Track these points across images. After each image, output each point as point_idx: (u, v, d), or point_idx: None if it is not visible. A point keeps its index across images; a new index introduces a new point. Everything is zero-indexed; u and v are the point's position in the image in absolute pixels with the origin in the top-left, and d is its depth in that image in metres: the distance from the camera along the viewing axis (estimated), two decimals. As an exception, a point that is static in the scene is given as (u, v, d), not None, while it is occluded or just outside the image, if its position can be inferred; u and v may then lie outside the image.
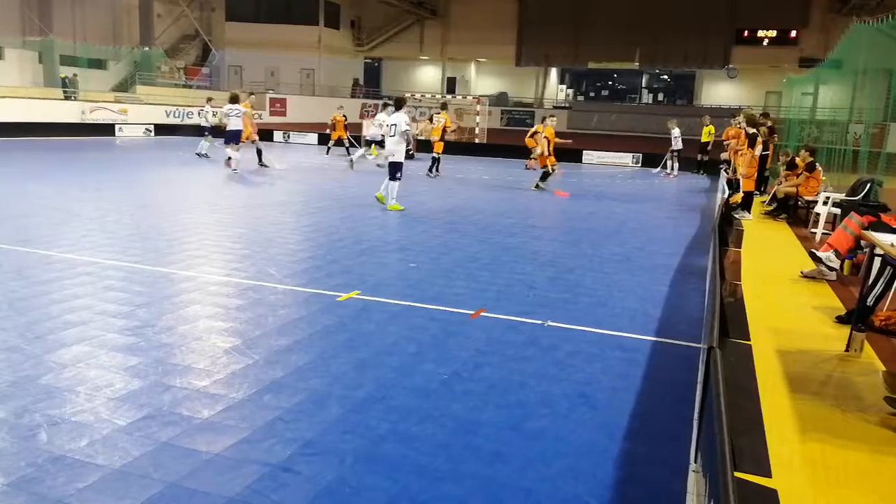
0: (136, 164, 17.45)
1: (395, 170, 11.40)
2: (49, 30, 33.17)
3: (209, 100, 21.28)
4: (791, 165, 12.54)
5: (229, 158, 16.27)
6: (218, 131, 18.66)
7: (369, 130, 18.21)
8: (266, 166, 18.15)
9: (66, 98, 29.36)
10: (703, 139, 21.00)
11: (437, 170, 17.87)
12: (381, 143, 14.89)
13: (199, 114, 21.96)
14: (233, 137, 16.19)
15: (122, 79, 36.21)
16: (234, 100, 16.36)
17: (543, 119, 17.15)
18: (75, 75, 31.51)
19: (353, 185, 15.48)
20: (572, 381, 4.63)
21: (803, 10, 38.54)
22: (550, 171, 16.02)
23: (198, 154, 19.73)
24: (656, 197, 16.00)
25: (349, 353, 5.00)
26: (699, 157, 21.41)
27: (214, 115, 19.79)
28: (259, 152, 18.28)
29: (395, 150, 11.37)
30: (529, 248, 9.08)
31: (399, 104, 11.91)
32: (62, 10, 34.13)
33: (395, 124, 11.37)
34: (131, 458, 3.42)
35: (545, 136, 16.02)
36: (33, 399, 4.02)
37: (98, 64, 35.14)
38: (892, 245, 4.46)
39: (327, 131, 23.53)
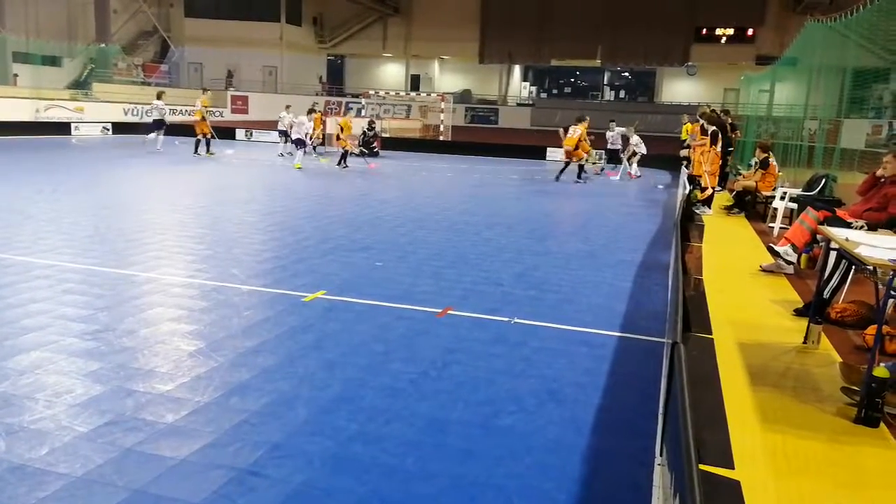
0: (94, 164, 17.07)
1: (302, 144, 19.10)
2: (1, 26, 32.24)
3: (288, 107, 22.41)
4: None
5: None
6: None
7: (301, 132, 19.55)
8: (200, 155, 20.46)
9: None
10: (683, 136, 21.26)
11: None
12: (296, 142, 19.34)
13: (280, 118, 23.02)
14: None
15: (78, 76, 35.36)
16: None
17: (579, 119, 17.55)
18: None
19: (317, 185, 15.36)
20: (540, 378, 4.67)
21: (760, 8, 39.41)
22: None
23: (281, 155, 21.77)
24: (619, 193, 16.20)
25: (316, 353, 4.97)
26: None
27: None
28: (197, 143, 20.73)
29: (302, 132, 19.03)
30: (495, 246, 9.12)
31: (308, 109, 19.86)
32: (14, 6, 33.20)
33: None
34: (94, 466, 3.35)
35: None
36: (-10, 407, 3.91)
37: (52, 61, 34.25)
38: (845, 239, 4.58)
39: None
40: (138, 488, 3.18)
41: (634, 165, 19.90)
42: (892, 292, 3.92)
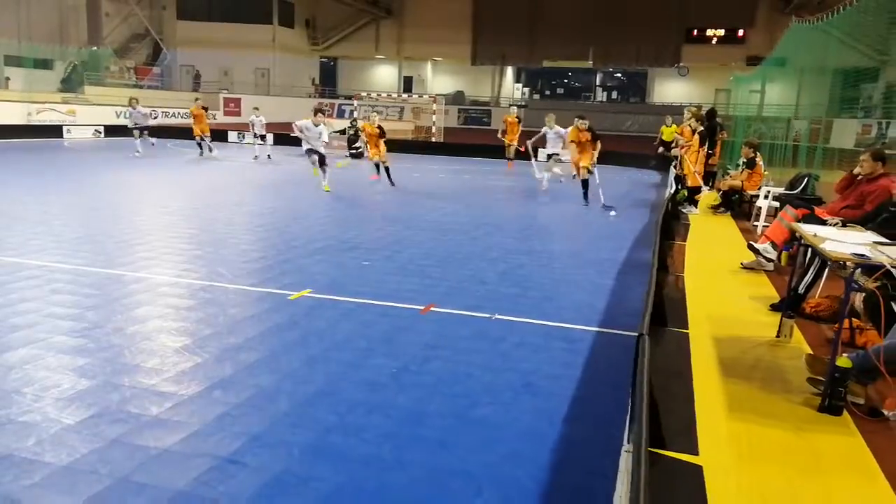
0: (86, 166, 17.14)
1: (325, 158, 14.60)
2: (-8, 29, 32.24)
3: (256, 109, 22.09)
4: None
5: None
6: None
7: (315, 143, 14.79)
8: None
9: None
10: (666, 138, 21.34)
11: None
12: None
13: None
14: None
15: (64, 76, 35.29)
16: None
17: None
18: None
19: (307, 186, 15.43)
20: (517, 371, 4.78)
21: (750, 9, 39.69)
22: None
23: (256, 157, 21.55)
24: (607, 193, 16.26)
25: (299, 349, 5.07)
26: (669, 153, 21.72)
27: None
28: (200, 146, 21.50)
29: (319, 142, 14.50)
30: (482, 245, 9.23)
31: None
32: (6, 9, 33.16)
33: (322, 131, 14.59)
34: (79, 455, 3.46)
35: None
36: (-22, 401, 4.01)
37: (44, 64, 34.22)
38: (814, 235, 4.70)
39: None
40: (122, 476, 3.29)
41: (547, 175, 15.91)
42: (854, 285, 4.05)
